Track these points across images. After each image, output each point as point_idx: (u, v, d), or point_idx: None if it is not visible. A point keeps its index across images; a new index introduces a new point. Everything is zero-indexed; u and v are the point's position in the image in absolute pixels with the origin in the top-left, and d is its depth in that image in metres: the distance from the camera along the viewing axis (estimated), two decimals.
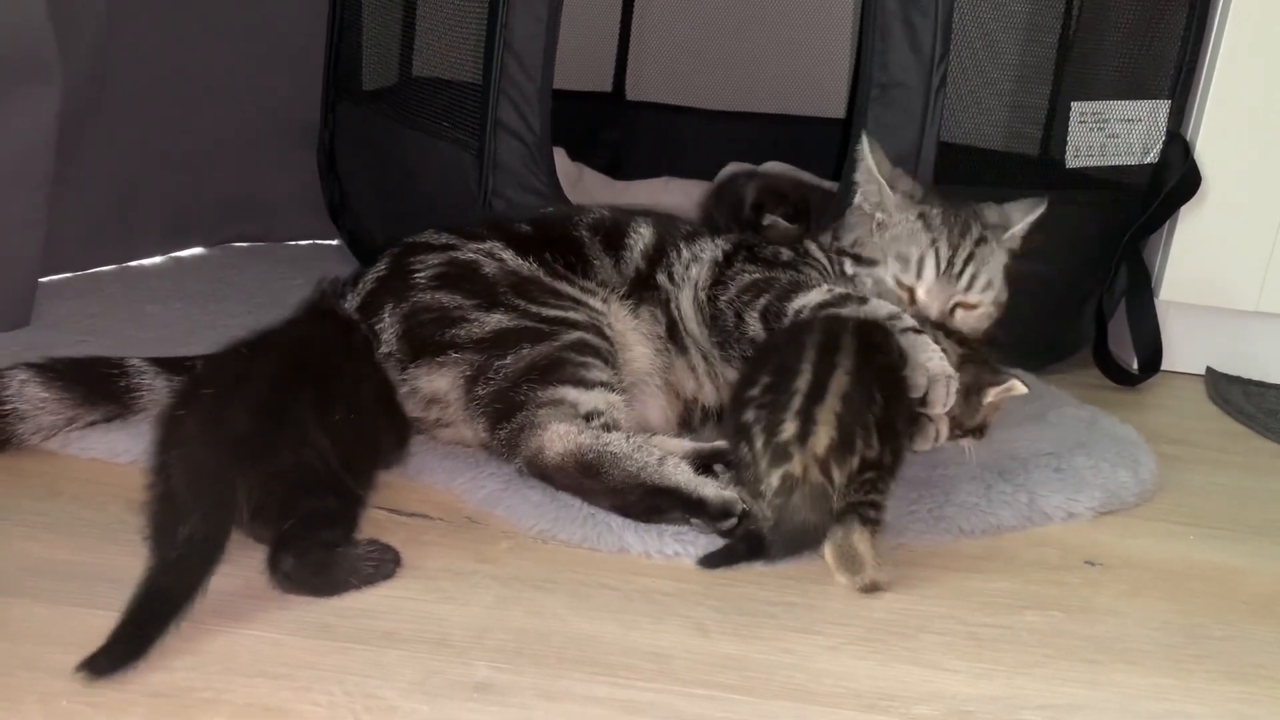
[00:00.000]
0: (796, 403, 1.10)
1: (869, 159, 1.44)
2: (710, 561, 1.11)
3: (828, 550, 1.09)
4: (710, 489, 1.14)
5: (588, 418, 1.20)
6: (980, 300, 1.42)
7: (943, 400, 1.22)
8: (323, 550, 1.01)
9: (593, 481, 1.16)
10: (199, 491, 0.98)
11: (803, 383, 1.11)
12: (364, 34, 2.06)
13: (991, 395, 1.26)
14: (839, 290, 1.34)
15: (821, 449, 1.07)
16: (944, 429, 1.28)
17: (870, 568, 1.09)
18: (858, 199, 1.48)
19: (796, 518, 1.08)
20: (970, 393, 1.26)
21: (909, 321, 1.29)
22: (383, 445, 1.21)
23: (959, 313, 1.41)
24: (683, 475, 1.15)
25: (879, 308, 1.31)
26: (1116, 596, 1.15)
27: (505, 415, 1.22)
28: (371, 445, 1.18)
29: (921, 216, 1.43)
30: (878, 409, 1.10)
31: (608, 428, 1.19)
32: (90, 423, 1.26)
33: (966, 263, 1.41)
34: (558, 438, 1.17)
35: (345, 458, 1.09)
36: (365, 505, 1.11)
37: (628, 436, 1.18)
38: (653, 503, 1.14)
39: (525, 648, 0.96)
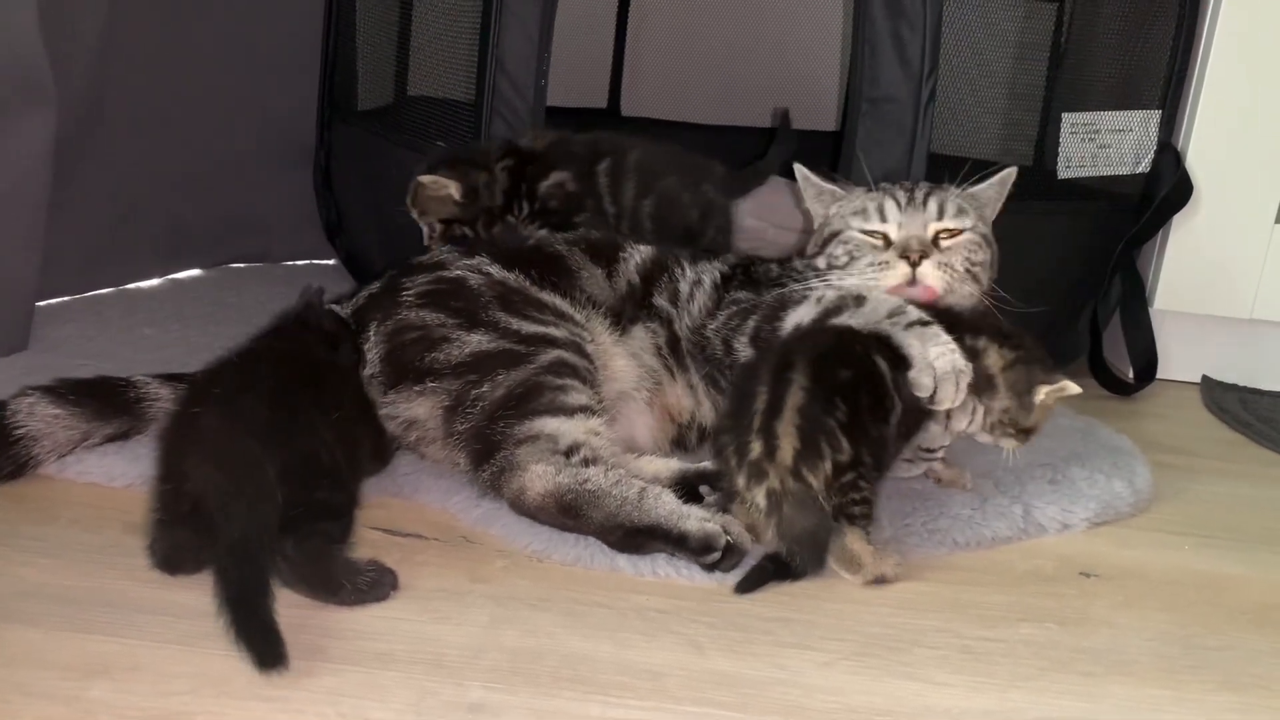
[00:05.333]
0: (757, 422, 1.14)
1: (812, 178, 1.47)
2: (744, 586, 1.11)
3: (831, 556, 1.13)
4: (692, 523, 1.13)
5: (568, 453, 1.18)
6: (961, 225, 1.37)
7: (951, 397, 1.19)
8: (322, 540, 1.03)
9: (574, 521, 1.16)
10: (237, 478, 1.00)
11: (760, 403, 1.15)
12: (359, 54, 2.07)
13: (1043, 394, 1.24)
14: (831, 295, 1.31)
15: (789, 460, 1.11)
16: (980, 411, 1.26)
17: (870, 563, 1.13)
18: (816, 223, 1.48)
19: (796, 526, 1.10)
20: (1022, 392, 1.25)
21: (914, 315, 1.25)
22: (364, 453, 1.24)
23: (945, 243, 1.36)
24: (663, 509, 1.14)
25: (880, 306, 1.27)
26: (1112, 608, 1.15)
27: (485, 456, 1.21)
28: (357, 450, 1.21)
29: (871, 188, 1.44)
30: (841, 415, 1.13)
31: (588, 462, 1.18)
32: (107, 436, 1.28)
33: (927, 197, 1.39)
34: (537, 478, 1.17)
35: (344, 455, 1.13)
36: (359, 507, 1.12)
37: (607, 469, 1.17)
38: (635, 540, 1.14)
39: (519, 667, 0.96)
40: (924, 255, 1.34)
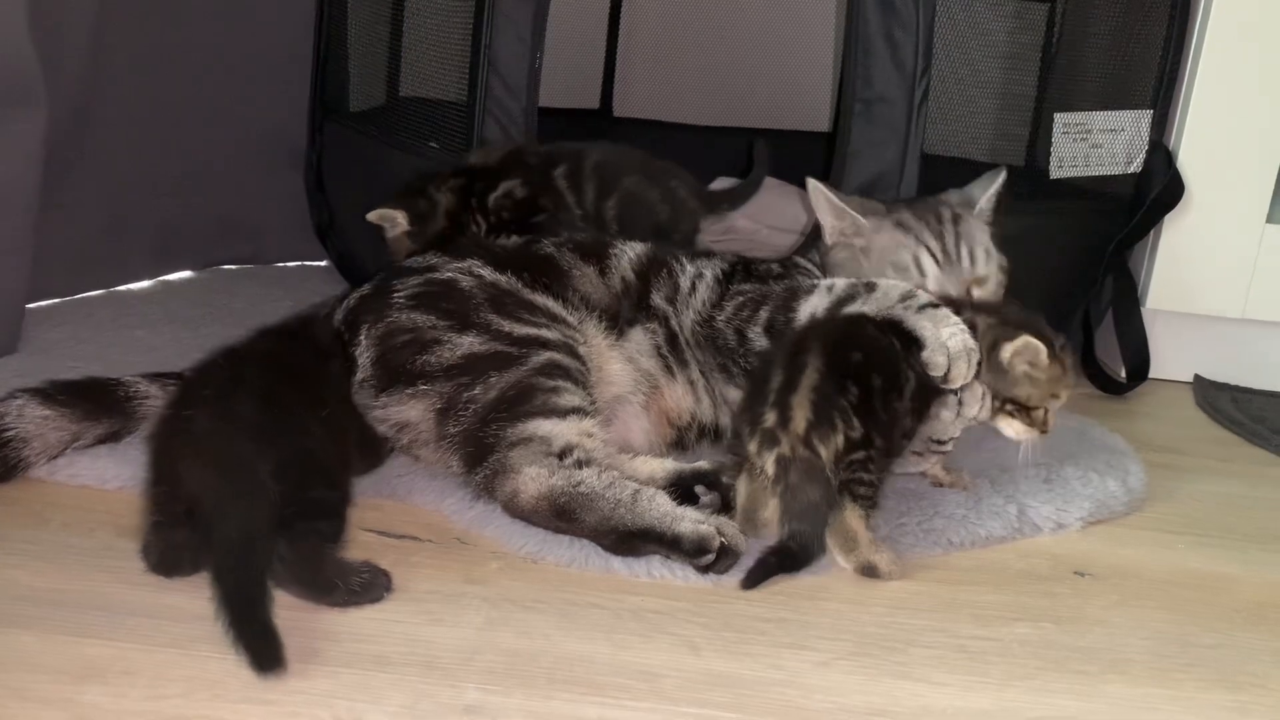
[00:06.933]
0: (772, 397, 1.17)
1: (829, 197, 1.46)
2: (749, 582, 1.11)
3: (828, 532, 1.14)
4: (686, 525, 1.13)
5: (561, 455, 1.18)
6: (987, 273, 1.44)
7: (964, 375, 1.22)
8: (316, 540, 1.02)
9: (568, 524, 1.15)
10: (231, 479, 1.00)
11: (776, 381, 1.18)
12: (350, 55, 2.07)
13: (1007, 352, 1.24)
14: (842, 283, 1.33)
15: (801, 429, 1.13)
16: (989, 396, 1.27)
17: (865, 547, 1.14)
18: (831, 239, 1.49)
19: (801, 496, 1.12)
20: (990, 354, 1.25)
21: (925, 298, 1.28)
22: (355, 450, 1.24)
23: (975, 291, 1.43)
24: (657, 512, 1.13)
25: (891, 291, 1.29)
26: (1106, 607, 1.15)
27: (478, 459, 1.21)
28: (348, 447, 1.21)
29: (897, 224, 1.45)
30: (853, 396, 1.15)
31: (581, 464, 1.18)
32: (98, 437, 1.27)
33: (958, 244, 1.43)
34: (530, 481, 1.16)
35: (336, 453, 1.13)
36: (351, 505, 1.12)
37: (601, 471, 1.17)
38: (629, 543, 1.13)
39: (515, 669, 0.96)
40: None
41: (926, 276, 1.42)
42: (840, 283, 1.34)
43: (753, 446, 1.16)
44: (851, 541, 1.14)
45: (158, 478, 1.07)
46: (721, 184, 2.34)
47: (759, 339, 1.34)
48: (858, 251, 1.46)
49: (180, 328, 1.79)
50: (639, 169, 1.73)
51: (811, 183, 1.48)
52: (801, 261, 1.49)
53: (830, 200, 1.46)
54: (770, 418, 1.15)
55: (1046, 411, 1.27)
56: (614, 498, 1.14)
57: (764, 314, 1.35)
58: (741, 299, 1.39)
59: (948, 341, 1.22)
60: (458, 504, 1.24)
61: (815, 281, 1.37)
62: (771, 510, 1.15)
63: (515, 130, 1.66)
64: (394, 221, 1.60)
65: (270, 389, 1.14)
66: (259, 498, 0.99)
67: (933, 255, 1.42)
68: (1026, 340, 1.24)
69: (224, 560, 0.95)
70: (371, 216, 1.61)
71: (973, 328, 1.26)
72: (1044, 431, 1.28)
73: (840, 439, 1.13)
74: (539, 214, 1.62)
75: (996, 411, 1.28)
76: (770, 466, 1.14)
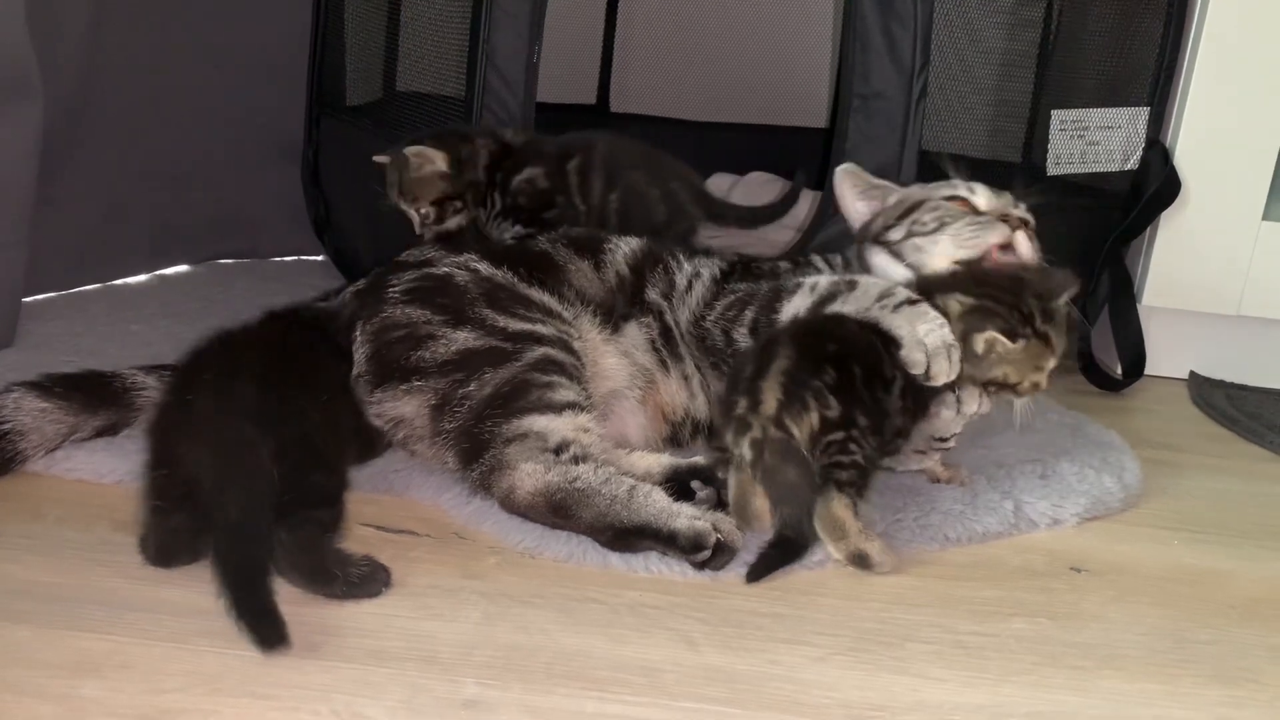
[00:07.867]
0: (743, 385, 1.18)
1: (860, 173, 1.47)
2: (753, 575, 1.11)
3: (816, 521, 1.13)
4: (682, 521, 1.13)
5: (557, 450, 1.18)
6: (1030, 219, 1.42)
7: (945, 371, 1.20)
8: (315, 528, 1.02)
9: (564, 520, 1.15)
10: (232, 460, 1.00)
11: (748, 371, 1.18)
12: (347, 50, 2.07)
13: (980, 343, 1.22)
14: (824, 282, 1.32)
15: (772, 410, 1.14)
16: (986, 398, 1.27)
17: (854, 536, 1.13)
18: (857, 222, 1.48)
19: (779, 478, 1.12)
20: (964, 342, 1.23)
21: (902, 295, 1.25)
22: (351, 438, 1.24)
23: (1019, 235, 1.37)
24: (653, 508, 1.13)
25: (870, 290, 1.27)
26: (1102, 602, 1.15)
27: (474, 455, 1.21)
28: (345, 435, 1.21)
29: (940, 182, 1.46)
30: (830, 378, 1.14)
31: (577, 459, 1.18)
32: (95, 429, 1.27)
33: (999, 193, 1.44)
34: (526, 477, 1.16)
35: (333, 440, 1.14)
36: (348, 491, 1.12)
37: (597, 467, 1.17)
38: (626, 539, 1.13)
39: (513, 664, 0.96)
40: (1023, 224, 1.38)
41: (976, 194, 1.41)
42: (823, 281, 1.32)
43: (729, 436, 1.16)
44: (840, 530, 1.13)
45: (157, 461, 1.07)
46: (718, 180, 2.35)
47: (744, 339, 1.34)
48: (908, 195, 1.44)
49: (176, 322, 1.79)
50: (642, 164, 1.71)
51: (845, 165, 1.48)
52: (815, 259, 1.49)
53: (863, 177, 1.47)
54: (741, 404, 1.16)
55: (1035, 384, 1.25)
56: (610, 494, 1.14)
57: (749, 314, 1.34)
58: (731, 299, 1.39)
59: (925, 339, 1.21)
60: (455, 499, 1.23)
61: (800, 280, 1.36)
62: (761, 500, 1.15)
63: (512, 125, 1.66)
64: (430, 160, 1.58)
65: (269, 374, 1.14)
66: (259, 479, 0.99)
67: (983, 185, 1.43)
68: (989, 334, 1.21)
69: (225, 541, 0.95)
70: (409, 151, 1.58)
71: (945, 316, 1.23)
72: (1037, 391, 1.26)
73: (815, 417, 1.12)
74: (552, 209, 1.62)
75: (1001, 393, 1.26)
76: (747, 452, 1.14)
